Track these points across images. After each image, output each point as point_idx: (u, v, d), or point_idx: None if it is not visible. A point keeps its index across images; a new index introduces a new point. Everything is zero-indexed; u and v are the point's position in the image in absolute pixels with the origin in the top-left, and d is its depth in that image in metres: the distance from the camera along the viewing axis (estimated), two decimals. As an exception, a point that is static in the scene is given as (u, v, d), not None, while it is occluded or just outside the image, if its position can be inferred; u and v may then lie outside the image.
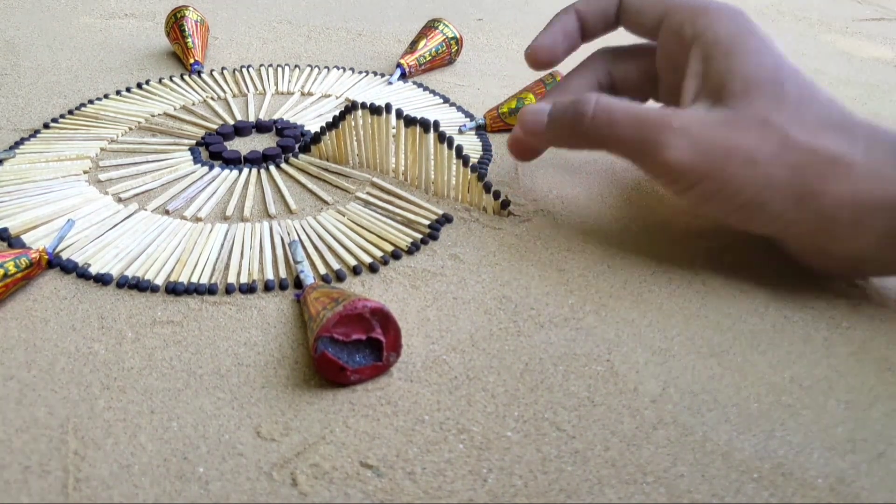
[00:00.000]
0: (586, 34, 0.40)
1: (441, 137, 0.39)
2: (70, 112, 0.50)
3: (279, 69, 0.58)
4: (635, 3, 0.38)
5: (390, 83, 0.56)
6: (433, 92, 0.55)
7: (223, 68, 0.58)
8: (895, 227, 0.30)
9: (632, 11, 0.38)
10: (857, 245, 0.31)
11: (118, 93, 0.53)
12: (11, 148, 0.45)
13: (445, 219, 0.39)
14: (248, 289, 0.33)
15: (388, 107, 0.40)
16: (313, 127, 0.48)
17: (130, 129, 0.48)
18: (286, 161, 0.45)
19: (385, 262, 0.35)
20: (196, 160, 0.44)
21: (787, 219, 0.31)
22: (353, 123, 0.42)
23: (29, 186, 0.41)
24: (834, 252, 0.32)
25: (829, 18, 0.78)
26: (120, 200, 0.40)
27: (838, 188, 0.30)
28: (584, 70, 0.40)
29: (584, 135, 0.35)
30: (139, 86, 0.54)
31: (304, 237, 0.37)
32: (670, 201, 0.41)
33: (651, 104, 0.35)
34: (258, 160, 0.44)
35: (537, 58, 0.40)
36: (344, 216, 0.39)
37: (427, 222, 0.38)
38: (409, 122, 0.39)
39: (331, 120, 0.43)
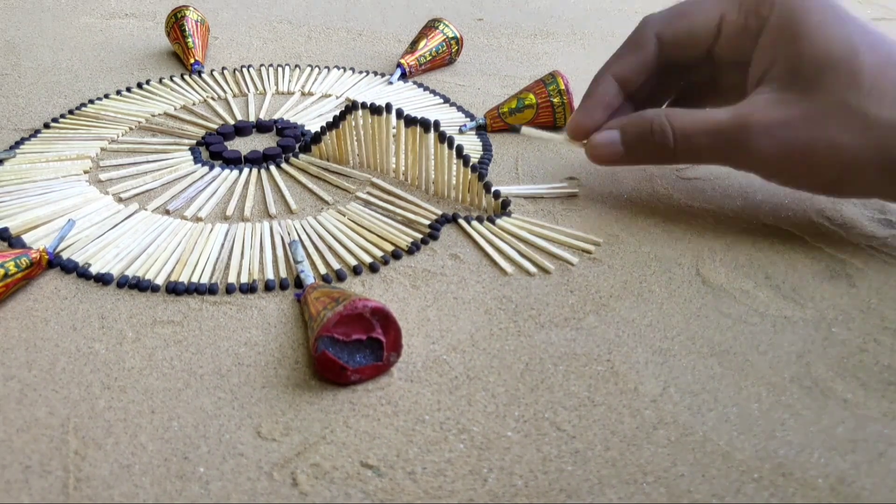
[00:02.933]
0: (630, 91, 0.38)
1: (441, 137, 0.39)
2: (70, 112, 0.50)
3: (279, 69, 0.58)
4: (681, 27, 0.36)
5: (390, 83, 0.56)
6: (433, 92, 0.55)
7: (223, 68, 0.58)
8: None
9: (680, 38, 0.36)
10: None
11: (118, 93, 0.53)
12: (12, 148, 0.45)
13: (446, 219, 0.39)
14: (249, 288, 0.33)
15: (388, 107, 0.40)
16: (313, 127, 0.48)
17: (131, 129, 0.48)
18: (286, 161, 0.45)
19: (385, 262, 0.35)
20: (196, 160, 0.44)
21: (874, 189, 0.33)
22: (353, 123, 0.42)
23: (29, 186, 0.41)
24: None
25: (830, 18, 0.78)
26: (120, 200, 0.40)
27: None
28: (627, 57, 0.38)
29: (670, 159, 0.35)
30: (139, 86, 0.54)
31: (304, 237, 0.37)
32: (671, 201, 0.41)
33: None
34: (258, 160, 0.44)
35: (578, 135, 0.39)
36: (344, 216, 0.39)
37: (427, 222, 0.38)
38: (410, 122, 0.39)
39: (331, 120, 0.43)
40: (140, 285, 0.33)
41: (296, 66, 0.59)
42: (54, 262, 0.35)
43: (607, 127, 0.37)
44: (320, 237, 0.37)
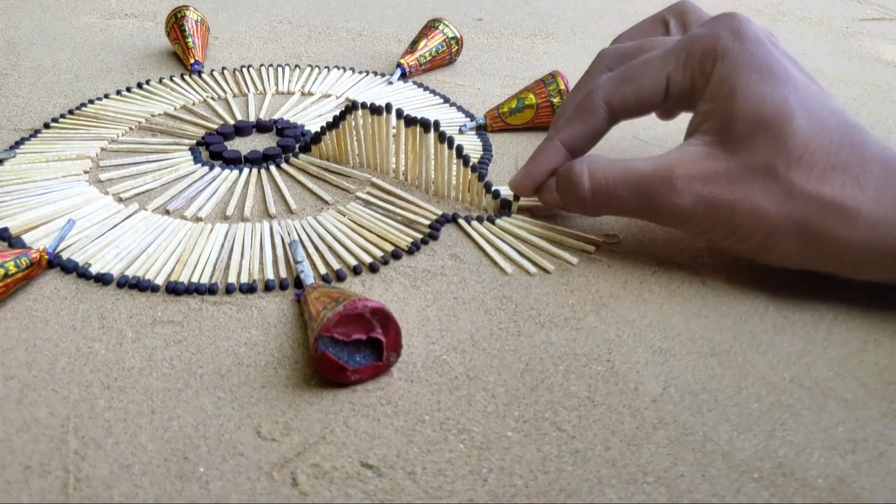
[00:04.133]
0: (578, 153, 0.37)
1: (441, 137, 0.39)
2: (70, 112, 0.50)
3: (279, 69, 0.58)
4: (629, 93, 0.34)
5: (390, 83, 0.56)
6: (433, 92, 0.55)
7: (223, 68, 0.58)
8: None
9: (629, 104, 0.34)
10: (864, 276, 0.31)
11: (118, 93, 0.53)
12: (12, 148, 0.45)
13: (446, 219, 0.39)
14: (249, 289, 0.33)
15: (388, 107, 0.40)
16: (313, 127, 0.48)
17: (131, 128, 0.48)
18: (286, 161, 0.45)
19: (385, 262, 0.35)
20: (196, 160, 0.44)
21: (796, 259, 0.31)
22: (353, 123, 0.42)
23: (29, 186, 0.41)
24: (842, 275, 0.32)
25: (830, 18, 0.78)
26: (120, 200, 0.40)
27: (843, 234, 0.29)
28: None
29: (590, 209, 0.35)
30: (139, 86, 0.54)
31: (304, 237, 0.37)
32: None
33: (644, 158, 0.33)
34: (258, 160, 0.44)
35: (520, 192, 0.38)
36: (344, 216, 0.39)
37: (427, 222, 0.38)
38: (410, 121, 0.39)
39: (331, 120, 0.43)
40: (140, 285, 0.33)
41: (296, 66, 0.59)
42: (54, 262, 0.35)
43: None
44: (320, 237, 0.37)
